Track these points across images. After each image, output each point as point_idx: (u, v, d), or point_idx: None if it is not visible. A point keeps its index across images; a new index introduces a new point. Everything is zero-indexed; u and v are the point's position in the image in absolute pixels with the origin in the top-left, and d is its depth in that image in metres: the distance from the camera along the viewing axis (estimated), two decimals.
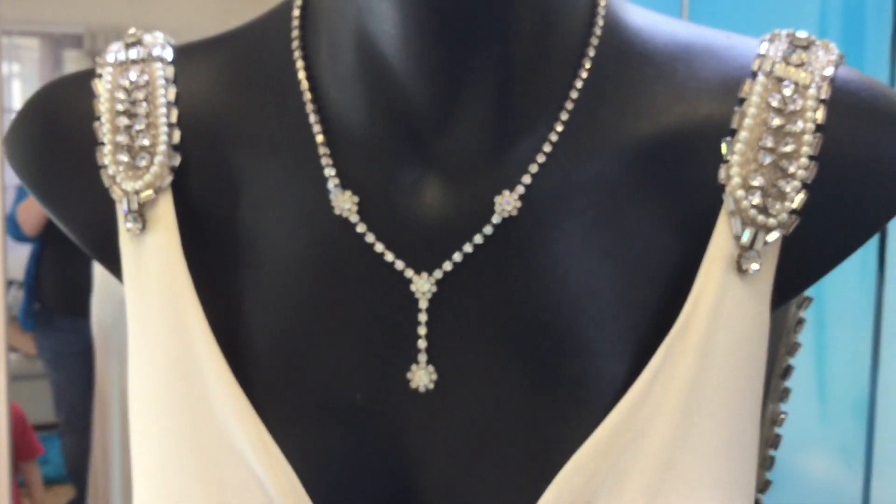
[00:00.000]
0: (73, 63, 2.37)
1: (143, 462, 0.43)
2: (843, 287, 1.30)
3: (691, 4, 1.54)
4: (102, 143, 0.44)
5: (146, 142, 0.44)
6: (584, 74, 0.43)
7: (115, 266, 0.46)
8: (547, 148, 0.42)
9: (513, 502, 0.39)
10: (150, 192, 0.43)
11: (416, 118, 0.42)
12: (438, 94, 0.41)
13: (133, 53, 0.46)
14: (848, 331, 1.30)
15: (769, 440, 0.50)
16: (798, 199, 0.40)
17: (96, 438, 2.54)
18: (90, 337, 2.64)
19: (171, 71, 0.46)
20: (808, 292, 1.09)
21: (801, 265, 0.43)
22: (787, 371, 0.49)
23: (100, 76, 0.46)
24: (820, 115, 0.41)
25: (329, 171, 0.43)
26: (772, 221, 0.40)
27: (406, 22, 0.40)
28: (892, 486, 1.23)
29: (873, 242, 1.23)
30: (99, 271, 2.53)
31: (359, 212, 0.42)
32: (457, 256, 0.41)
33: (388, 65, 0.41)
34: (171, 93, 0.45)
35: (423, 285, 0.41)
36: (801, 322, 0.49)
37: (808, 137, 0.40)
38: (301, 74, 0.45)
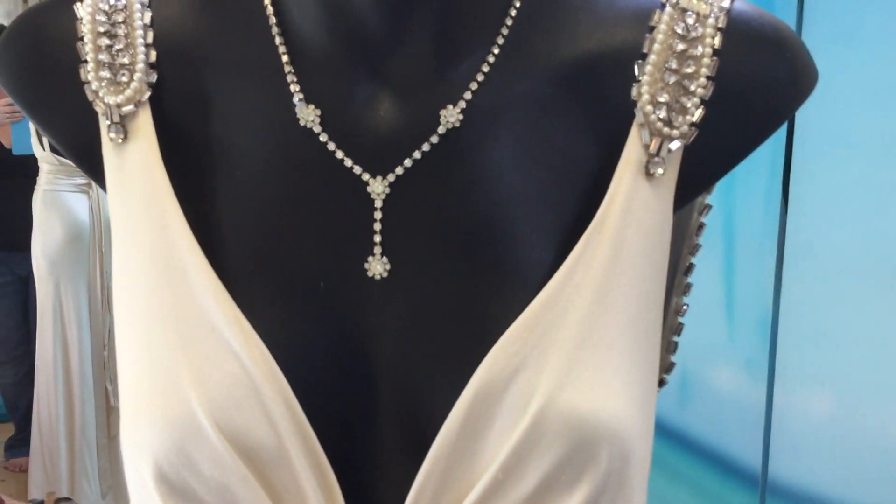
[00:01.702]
0: None
1: (129, 345, 0.48)
2: (750, 216, 1.38)
3: None
4: (86, 61, 0.49)
5: (126, 60, 0.49)
6: (518, 4, 0.49)
7: (97, 173, 0.51)
8: (485, 68, 0.48)
9: (456, 371, 0.46)
10: (130, 105, 0.48)
11: (370, 40, 0.48)
12: (389, 19, 0.47)
13: None
14: (753, 256, 1.38)
15: (674, 327, 0.58)
16: (697, 114, 0.47)
17: (38, 366, 2.56)
18: (24, 269, 2.65)
19: None
20: (718, 215, 1.18)
21: (699, 171, 0.50)
22: (690, 268, 0.56)
23: (81, 0, 0.50)
24: (717, 41, 0.47)
25: (294, 87, 0.48)
26: (675, 132, 0.47)
27: None
28: (791, 396, 1.33)
29: (778, 175, 1.32)
30: (38, 208, 2.53)
31: (321, 123, 0.48)
32: (407, 162, 0.47)
33: None
34: (147, 16, 0.50)
35: (377, 187, 0.47)
36: (701, 226, 0.56)
37: (706, 60, 0.47)
38: (267, 0, 0.50)
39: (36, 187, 2.54)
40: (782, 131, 1.30)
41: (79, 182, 2.52)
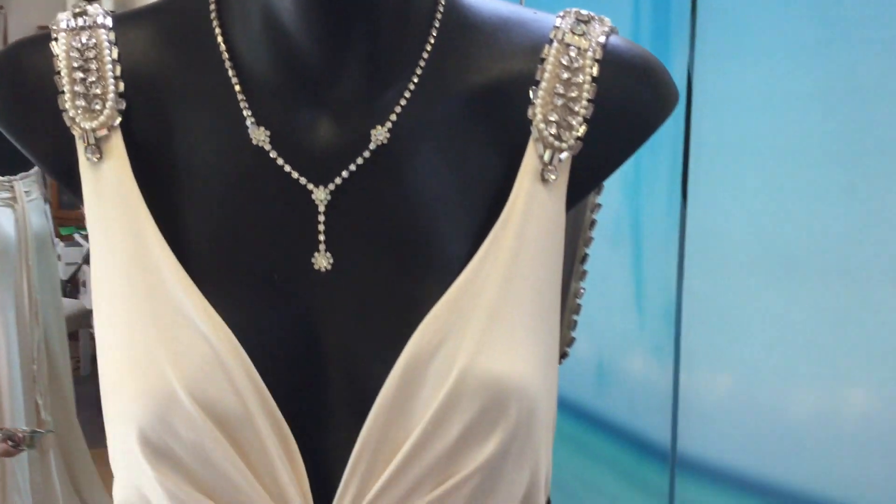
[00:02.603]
0: None
1: (111, 333, 0.55)
2: (654, 217, 1.45)
3: None
4: (63, 92, 0.57)
5: (98, 91, 0.57)
6: (432, 40, 0.59)
7: (74, 188, 0.59)
8: (407, 94, 0.58)
9: (390, 345, 0.54)
10: (104, 130, 0.56)
11: (310, 72, 0.57)
12: (326, 54, 0.56)
13: (80, 21, 0.58)
14: (658, 253, 1.44)
15: (573, 308, 0.67)
16: (581, 130, 0.57)
17: None
18: None
19: (112, 35, 0.58)
20: (626, 217, 1.29)
21: (585, 176, 0.60)
22: (585, 258, 0.66)
23: (55, 39, 0.58)
24: (595, 71, 0.58)
25: (246, 112, 0.57)
26: (564, 145, 0.57)
27: (303, 3, 0.54)
28: (695, 378, 1.39)
29: (677, 178, 1.38)
30: None
31: (271, 142, 0.56)
32: (345, 173, 0.56)
33: (288, 32, 0.56)
34: (115, 52, 0.58)
35: (320, 195, 0.56)
36: (593, 223, 0.66)
37: (587, 86, 0.58)
38: (219, 38, 0.58)
39: None
40: (680, 138, 1.36)
41: (3, 196, 2.51)
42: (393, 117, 0.57)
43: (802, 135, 1.22)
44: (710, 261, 1.37)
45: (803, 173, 1.22)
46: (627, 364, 1.54)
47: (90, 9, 0.59)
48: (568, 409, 1.66)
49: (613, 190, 1.51)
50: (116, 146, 0.56)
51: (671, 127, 1.39)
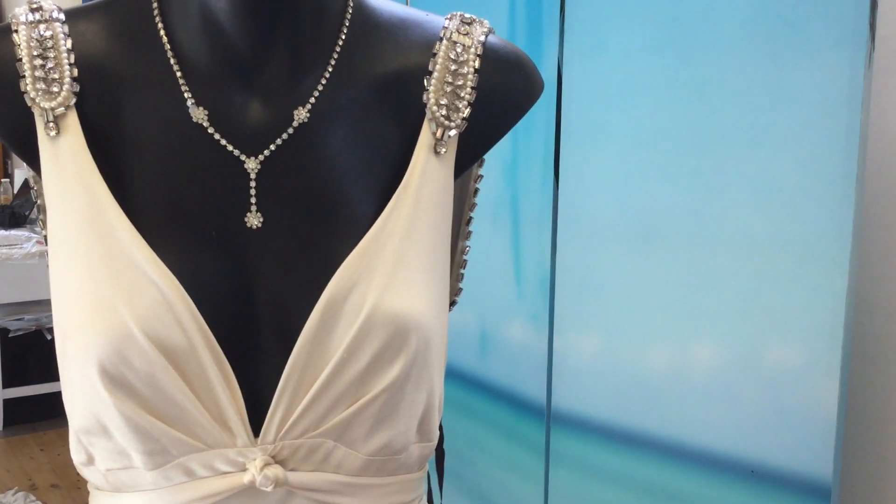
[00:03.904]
0: None
1: (68, 284, 0.62)
2: (530, 196, 1.55)
3: None
4: (24, 77, 0.65)
5: (56, 75, 0.65)
6: (343, 36, 0.70)
7: (33, 161, 0.67)
8: (323, 81, 0.68)
9: (311, 289, 0.63)
10: (61, 108, 0.65)
11: (242, 61, 0.66)
12: (255, 45, 0.66)
13: (37, 16, 0.67)
14: (534, 228, 1.55)
15: (460, 263, 0.78)
16: (466, 112, 0.69)
17: None
18: None
19: (66, 28, 0.67)
20: (505, 196, 1.42)
21: (469, 150, 0.72)
22: (470, 220, 0.78)
23: (16, 31, 0.66)
24: (476, 64, 0.70)
25: (187, 94, 0.66)
26: (452, 124, 0.69)
27: (234, 1, 0.64)
28: (567, 340, 1.50)
29: (550, 161, 1.48)
30: None
31: (209, 120, 0.66)
32: (272, 147, 0.66)
33: (222, 26, 0.65)
34: (69, 43, 0.66)
35: (252, 164, 0.66)
36: (476, 191, 0.78)
37: (470, 76, 0.70)
38: (162, 32, 0.67)
39: None
40: (552, 125, 1.48)
41: None
42: (312, 100, 0.67)
43: (655, 122, 1.35)
44: (579, 235, 1.48)
45: (656, 156, 1.34)
46: (507, 331, 1.64)
47: (44, 4, 0.68)
48: (454, 375, 1.76)
49: (494, 172, 1.61)
50: (72, 123, 0.65)
51: (544, 115, 1.51)
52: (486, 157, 0.78)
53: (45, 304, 3.71)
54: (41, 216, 0.71)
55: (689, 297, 1.32)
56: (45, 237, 0.69)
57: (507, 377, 1.65)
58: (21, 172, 4.23)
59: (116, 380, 0.61)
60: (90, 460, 0.66)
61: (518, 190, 1.60)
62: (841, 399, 1.18)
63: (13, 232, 3.83)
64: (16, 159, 4.80)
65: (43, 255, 3.57)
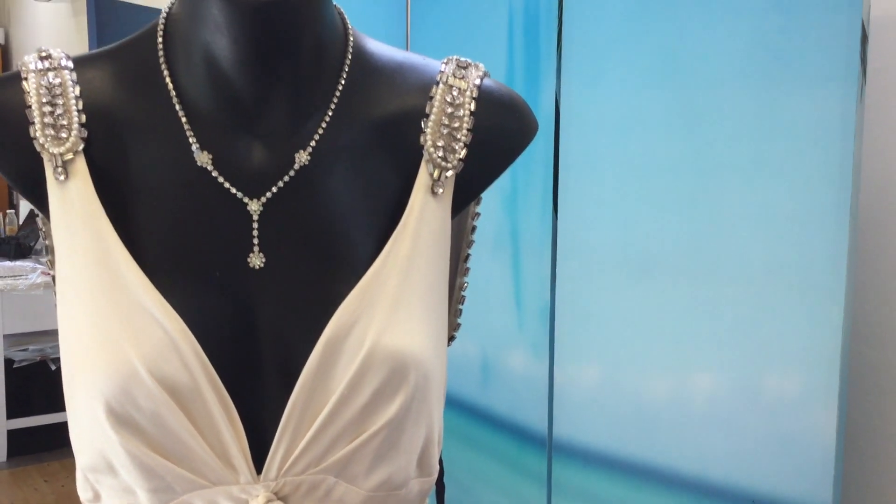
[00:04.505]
0: None
1: (75, 325, 0.64)
2: (529, 226, 1.56)
3: (413, 4, 1.81)
4: (33, 123, 0.67)
5: (65, 122, 0.67)
6: (343, 80, 0.71)
7: (41, 204, 0.68)
8: (324, 124, 0.70)
9: (313, 328, 0.65)
10: (70, 154, 0.66)
11: (245, 106, 0.68)
12: (257, 91, 0.68)
13: (46, 63, 0.69)
14: (534, 258, 1.56)
15: (458, 299, 0.80)
16: (463, 153, 0.71)
17: None
18: None
19: (74, 75, 0.69)
20: (505, 227, 1.43)
21: (466, 190, 0.73)
22: (467, 257, 0.79)
23: (26, 79, 0.68)
24: (472, 106, 0.72)
25: (192, 139, 0.68)
26: (449, 165, 0.71)
27: (237, 49, 0.66)
28: (567, 370, 1.50)
29: (549, 192, 1.50)
30: None
31: (212, 163, 0.68)
32: (274, 189, 0.68)
33: (225, 72, 0.67)
34: (77, 90, 0.68)
35: (254, 206, 0.68)
36: (474, 228, 0.80)
37: (466, 119, 0.71)
38: (167, 78, 0.69)
39: None
40: (550, 157, 1.49)
41: None
42: (313, 143, 0.69)
43: (652, 153, 1.36)
44: (578, 264, 1.49)
45: (653, 187, 1.36)
46: (508, 361, 1.64)
47: (53, 52, 0.70)
48: (455, 405, 1.76)
49: (494, 203, 1.63)
50: (80, 168, 0.66)
51: (542, 147, 1.53)
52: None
53: (49, 335, 3.72)
54: (49, 256, 0.72)
55: (688, 326, 1.33)
56: (53, 277, 0.70)
57: (508, 406, 1.65)
58: (26, 204, 4.26)
59: (122, 418, 0.62)
60: (97, 497, 0.68)
61: (518, 220, 1.61)
62: (839, 428, 1.19)
63: (18, 263, 3.85)
64: None
65: (48, 285, 3.59)
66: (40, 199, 0.68)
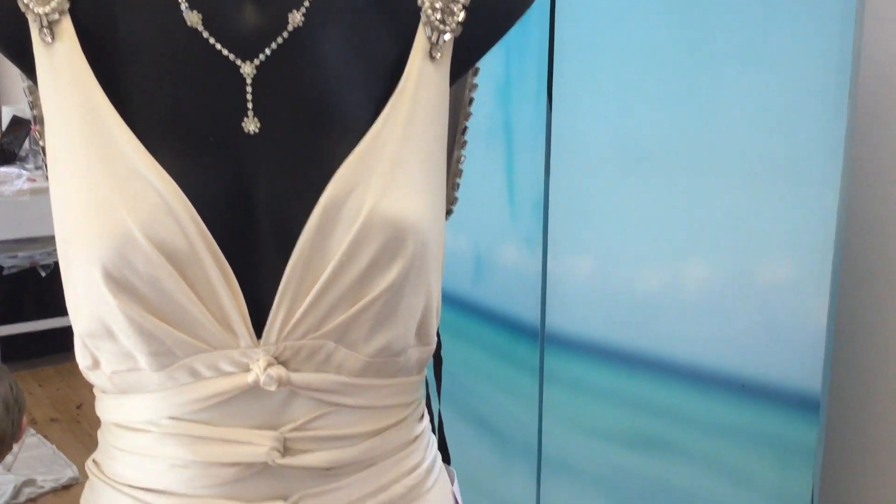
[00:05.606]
0: None
1: (69, 190, 0.63)
2: (523, 119, 1.55)
3: None
4: None
5: None
6: None
7: (28, 69, 0.66)
8: None
9: (310, 193, 0.64)
10: (55, 14, 0.64)
11: None
12: None
13: None
14: (527, 151, 1.55)
15: (456, 172, 0.79)
16: (461, 16, 0.69)
17: None
18: None
19: None
20: (499, 119, 1.40)
21: (464, 55, 0.72)
22: (465, 129, 0.78)
23: None
24: None
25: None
26: (447, 28, 0.69)
27: None
28: (561, 262, 1.51)
29: (543, 84, 1.48)
30: None
31: (202, 24, 0.66)
32: (267, 51, 0.66)
33: None
34: None
35: (247, 69, 0.66)
36: (471, 100, 0.78)
37: None
38: None
39: None
40: (545, 47, 1.48)
41: None
42: (306, 3, 0.67)
43: (648, 43, 1.34)
44: (571, 157, 1.48)
45: (649, 77, 1.34)
46: (501, 254, 1.65)
47: None
48: (448, 299, 1.77)
49: (487, 96, 1.61)
50: (67, 29, 0.64)
51: (537, 34, 1.51)
52: (478, 79, 0.78)
53: (39, 242, 3.71)
54: (38, 127, 0.71)
55: (682, 216, 1.33)
56: (44, 148, 0.68)
57: (501, 300, 1.66)
58: (9, 110, 4.19)
59: (120, 282, 0.62)
60: (95, 364, 0.68)
61: (511, 112, 1.59)
62: (830, 314, 1.20)
63: (3, 169, 3.81)
64: (2, 97, 4.75)
65: (35, 191, 3.56)
66: (28, 64, 0.66)
